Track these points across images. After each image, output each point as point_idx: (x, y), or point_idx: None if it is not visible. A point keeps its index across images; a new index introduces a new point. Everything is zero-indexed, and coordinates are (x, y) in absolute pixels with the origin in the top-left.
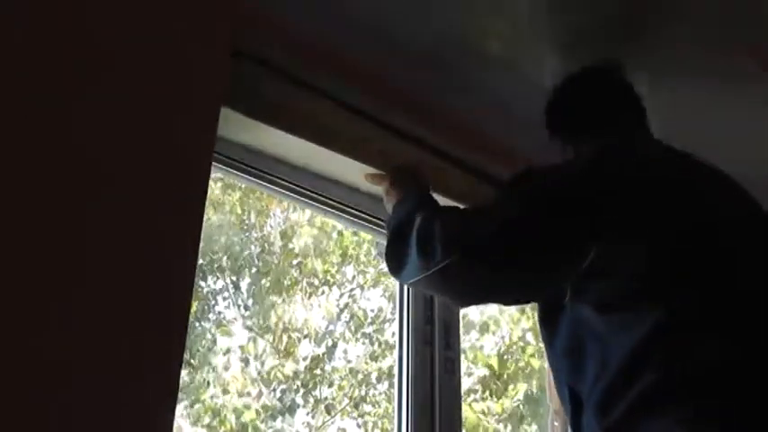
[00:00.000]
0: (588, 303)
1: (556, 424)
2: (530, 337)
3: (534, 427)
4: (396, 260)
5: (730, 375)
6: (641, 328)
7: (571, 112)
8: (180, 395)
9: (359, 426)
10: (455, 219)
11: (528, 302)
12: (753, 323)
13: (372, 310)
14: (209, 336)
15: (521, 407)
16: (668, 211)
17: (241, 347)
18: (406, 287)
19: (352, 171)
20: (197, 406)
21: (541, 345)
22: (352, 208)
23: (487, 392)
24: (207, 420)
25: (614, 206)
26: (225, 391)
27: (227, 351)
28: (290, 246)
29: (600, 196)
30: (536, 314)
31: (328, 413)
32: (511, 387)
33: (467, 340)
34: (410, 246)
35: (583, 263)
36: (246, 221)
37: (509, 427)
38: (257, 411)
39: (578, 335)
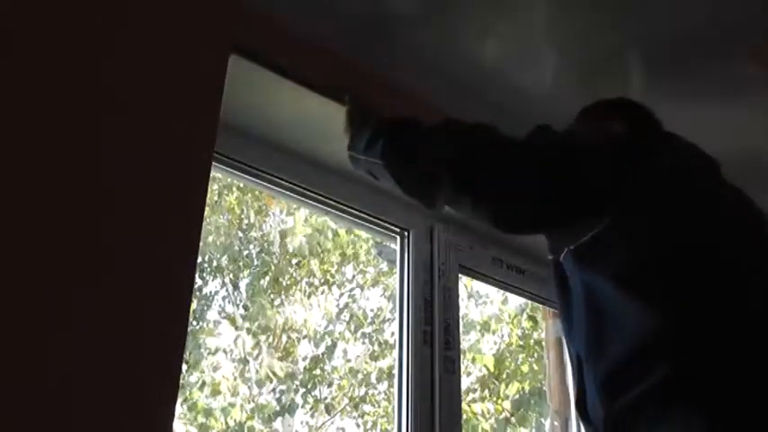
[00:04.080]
0: (603, 274)
1: (556, 424)
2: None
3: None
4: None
5: (742, 372)
6: (655, 317)
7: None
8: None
9: (358, 425)
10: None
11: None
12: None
13: (372, 310)
14: (207, 336)
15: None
16: (685, 205)
17: (240, 348)
18: (406, 287)
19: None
20: (191, 406)
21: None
22: (353, 207)
23: (486, 392)
24: (201, 420)
25: (637, 185)
26: (220, 392)
27: (224, 351)
28: (289, 246)
29: (626, 172)
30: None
31: (328, 413)
32: (509, 387)
33: (466, 340)
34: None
35: (596, 222)
36: (246, 221)
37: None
38: (256, 411)
39: (590, 305)
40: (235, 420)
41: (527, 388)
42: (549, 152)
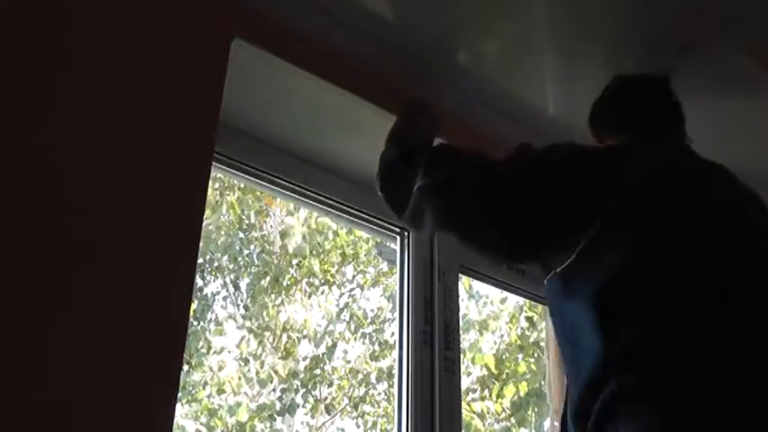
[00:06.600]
0: (575, 300)
1: (556, 424)
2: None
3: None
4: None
5: (690, 381)
6: (612, 338)
7: (613, 111)
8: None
9: (358, 426)
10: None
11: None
12: (724, 333)
13: (372, 310)
14: (208, 336)
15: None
16: (659, 220)
17: (240, 348)
18: (406, 287)
19: (355, 157)
20: (194, 406)
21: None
22: (353, 207)
23: (486, 392)
24: (204, 420)
25: (612, 202)
26: (222, 391)
27: (226, 351)
28: (290, 246)
29: (601, 190)
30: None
31: (328, 413)
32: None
33: (466, 339)
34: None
35: (576, 243)
36: (246, 221)
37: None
38: (256, 411)
39: (566, 333)
40: (237, 420)
41: (526, 388)
42: (521, 173)
